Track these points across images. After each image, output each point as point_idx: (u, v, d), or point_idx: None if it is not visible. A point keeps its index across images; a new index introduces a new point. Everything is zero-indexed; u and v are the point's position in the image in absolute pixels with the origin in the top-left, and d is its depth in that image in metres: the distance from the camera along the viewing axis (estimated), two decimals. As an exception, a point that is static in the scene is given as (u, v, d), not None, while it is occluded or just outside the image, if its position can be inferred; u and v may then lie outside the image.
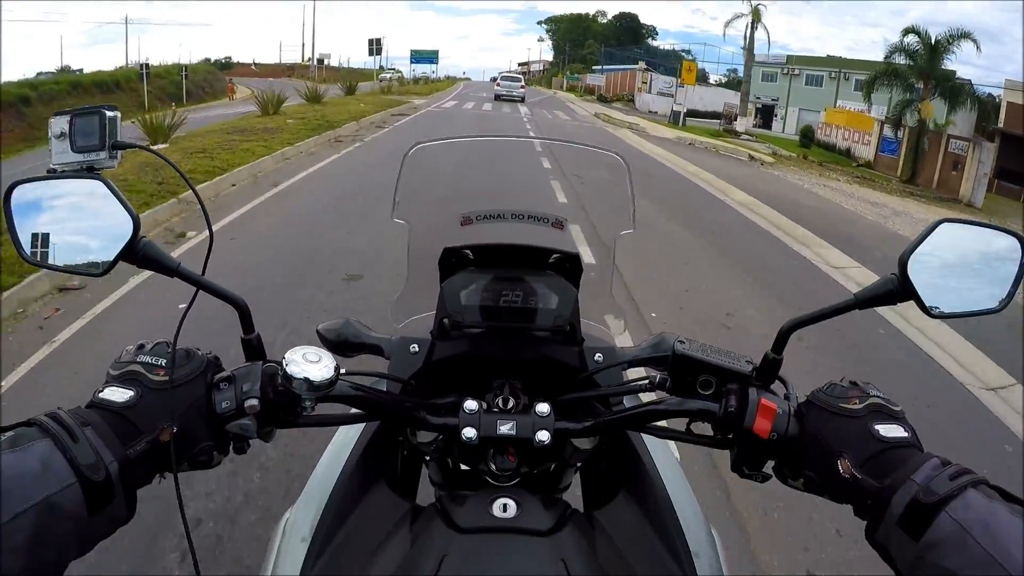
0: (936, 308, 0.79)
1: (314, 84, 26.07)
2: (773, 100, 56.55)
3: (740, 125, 33.18)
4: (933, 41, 26.18)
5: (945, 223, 0.79)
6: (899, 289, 0.78)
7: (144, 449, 0.71)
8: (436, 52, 57.12)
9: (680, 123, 30.42)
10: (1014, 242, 0.80)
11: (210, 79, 56.13)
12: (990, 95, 28.60)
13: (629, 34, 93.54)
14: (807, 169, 22.75)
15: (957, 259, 0.81)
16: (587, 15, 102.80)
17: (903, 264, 0.77)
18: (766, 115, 57.25)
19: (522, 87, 40.86)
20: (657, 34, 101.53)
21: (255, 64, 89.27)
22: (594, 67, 76.70)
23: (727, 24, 35.50)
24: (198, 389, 0.77)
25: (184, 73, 48.13)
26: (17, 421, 0.66)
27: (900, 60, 27.52)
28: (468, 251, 1.00)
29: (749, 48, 34.67)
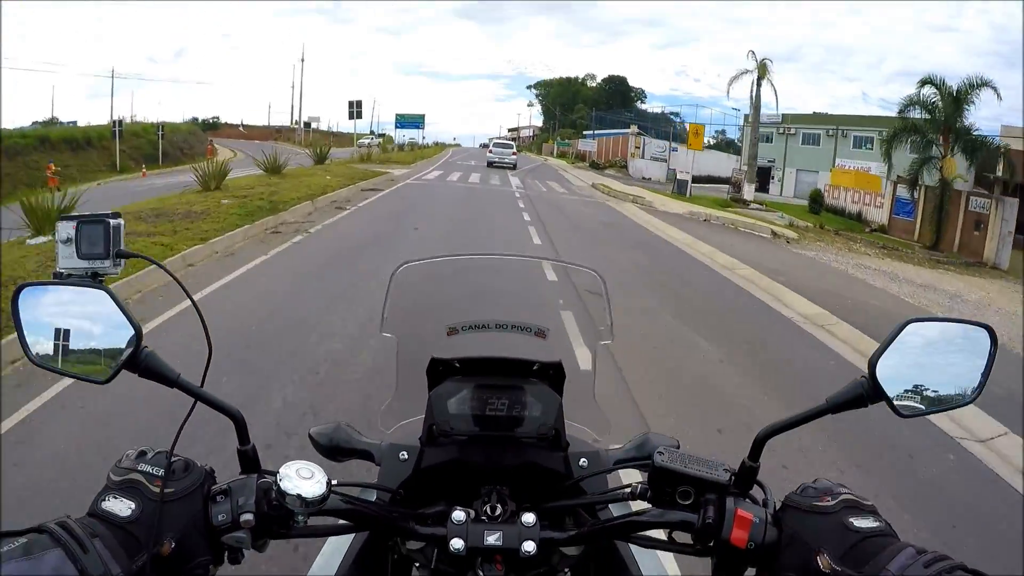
0: (907, 408, 0.81)
1: (297, 147, 23.78)
2: (769, 161, 54.34)
3: (748, 192, 30.41)
4: (954, 92, 23.67)
5: (912, 323, 0.81)
6: (869, 392, 0.80)
7: (145, 563, 0.73)
8: (422, 116, 53.95)
9: (686, 193, 27.58)
10: (982, 332, 0.82)
11: (191, 139, 53.69)
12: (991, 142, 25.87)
13: (618, 97, 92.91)
14: (832, 243, 19.92)
15: (927, 356, 0.82)
16: (576, 79, 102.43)
17: (872, 367, 0.79)
18: (763, 177, 55.00)
19: (514, 153, 39.82)
20: (646, 97, 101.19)
21: (243, 125, 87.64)
22: (585, 132, 75.08)
23: (732, 81, 33.19)
24: (196, 503, 0.79)
25: (160, 132, 45.65)
26: (28, 527, 0.67)
27: (915, 114, 25.36)
28: (455, 361, 1.01)
29: (755, 107, 32.36)
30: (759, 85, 32.41)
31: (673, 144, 60.93)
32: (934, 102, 24.60)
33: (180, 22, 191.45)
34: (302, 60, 67.67)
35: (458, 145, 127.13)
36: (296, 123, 71.39)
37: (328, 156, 27.13)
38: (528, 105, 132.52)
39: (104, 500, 0.75)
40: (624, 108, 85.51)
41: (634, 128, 63.36)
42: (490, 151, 40.91)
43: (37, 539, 0.66)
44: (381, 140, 54.19)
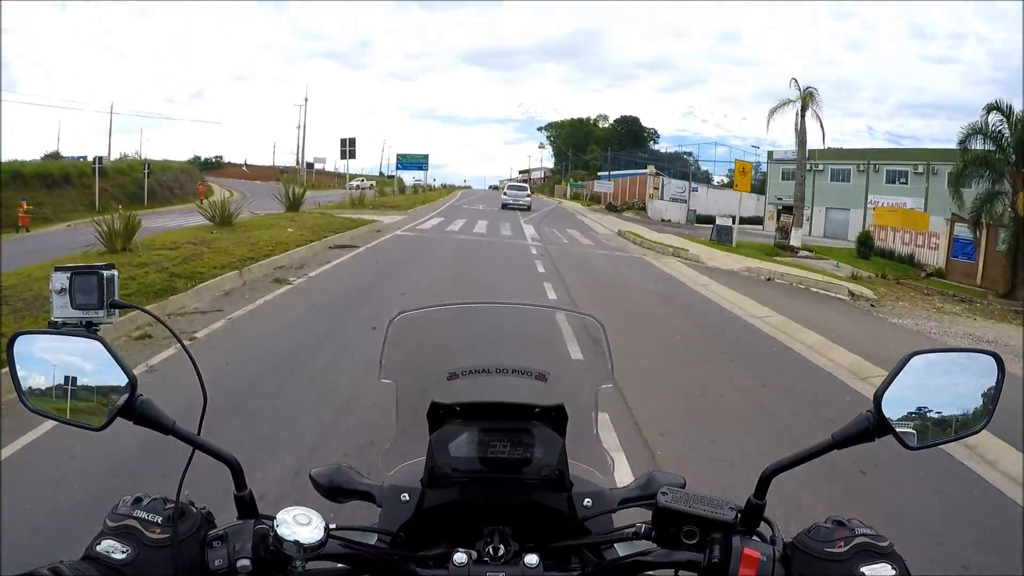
0: (914, 441, 0.80)
1: (298, 188, 22.22)
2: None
3: (795, 238, 25.99)
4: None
5: (916, 356, 0.80)
6: (875, 427, 0.79)
7: None
8: (425, 157, 50.78)
9: (731, 241, 23.20)
10: (989, 360, 0.81)
11: (183, 178, 49.90)
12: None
13: (631, 138, 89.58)
14: (912, 301, 15.62)
15: (933, 388, 0.81)
16: (588, 119, 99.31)
17: (877, 401, 0.79)
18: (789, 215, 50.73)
19: (528, 195, 39.75)
20: (659, 137, 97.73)
21: (246, 165, 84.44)
22: (599, 173, 71.31)
23: (772, 113, 28.82)
24: (193, 548, 0.79)
25: (147, 170, 41.82)
26: (20, 573, 0.67)
27: (978, 144, 21.37)
28: (456, 405, 1.01)
29: (800, 141, 28.04)
30: (803, 116, 28.12)
31: (693, 184, 57.36)
32: (999, 130, 20.78)
33: (198, 64, 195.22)
34: (305, 100, 65.52)
35: (468, 187, 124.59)
36: (299, 163, 68.37)
37: (303, 199, 22.82)
38: (539, 147, 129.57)
39: (99, 543, 0.75)
40: (638, 148, 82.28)
41: (651, 168, 59.58)
42: (504, 193, 40.37)
43: None
44: (375, 184, 49.90)
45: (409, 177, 54.70)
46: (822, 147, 33.96)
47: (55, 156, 50.88)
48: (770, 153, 54.59)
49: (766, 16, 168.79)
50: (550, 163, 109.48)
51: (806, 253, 24.44)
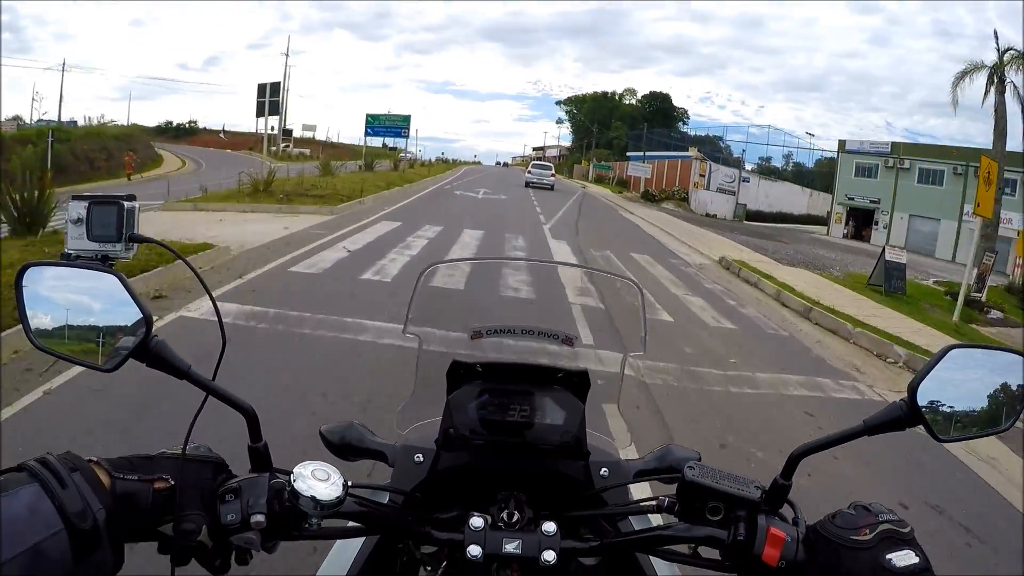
0: (944, 433, 0.80)
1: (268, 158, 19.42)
2: (872, 202, 40.31)
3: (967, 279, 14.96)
4: None
5: (954, 349, 0.80)
6: (907, 416, 0.78)
7: (131, 488, 0.70)
8: (406, 119, 36.28)
9: (901, 288, 12.41)
10: (1019, 360, 0.81)
11: (114, 147, 38.27)
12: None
13: (660, 117, 77.80)
14: None
15: (966, 383, 0.81)
16: (613, 94, 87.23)
17: (912, 392, 0.78)
18: (862, 221, 39.27)
19: (552, 175, 36.64)
20: (688, 118, 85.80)
21: (224, 132, 74.33)
22: (629, 154, 59.87)
23: (958, 80, 17.62)
24: (205, 472, 0.77)
25: (51, 137, 31.48)
26: (8, 467, 0.65)
27: None
28: (477, 365, 0.97)
29: (998, 127, 16.70)
30: (1001, 85, 16.93)
31: (744, 173, 46.45)
32: None
33: (213, 31, 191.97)
34: (287, 56, 53.61)
35: (478, 163, 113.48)
36: (272, 130, 57.37)
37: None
38: (557, 122, 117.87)
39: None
40: (667, 129, 71.07)
41: (696, 151, 48.37)
42: (529, 171, 37.77)
43: (14, 477, 0.63)
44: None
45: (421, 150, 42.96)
46: (879, 139, 23.02)
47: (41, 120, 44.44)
48: (842, 143, 43.09)
49: (789, 5, 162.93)
50: (567, 141, 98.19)
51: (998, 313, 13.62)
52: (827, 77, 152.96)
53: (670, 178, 45.37)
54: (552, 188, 34.89)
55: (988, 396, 0.81)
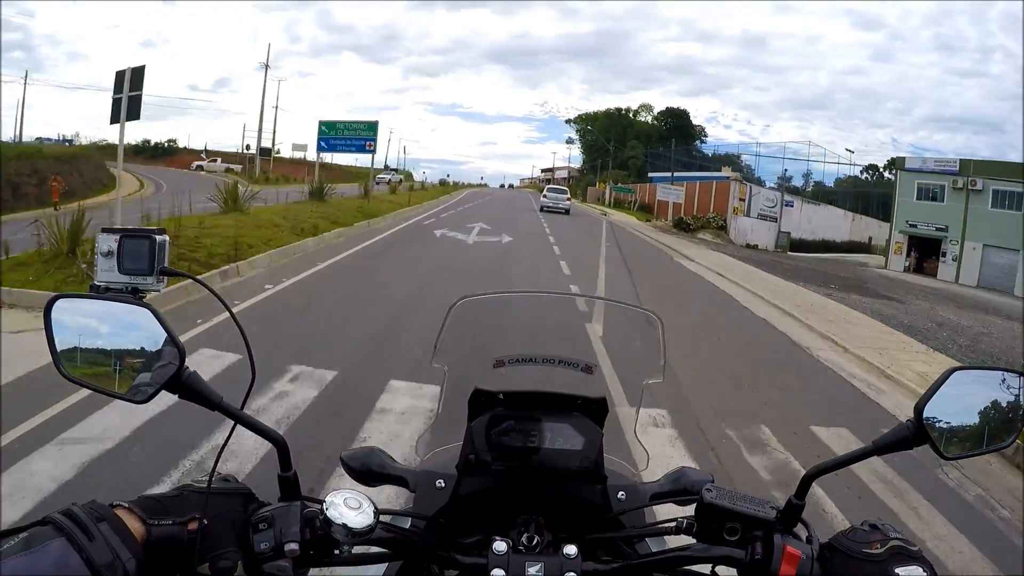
0: (950, 451, 0.82)
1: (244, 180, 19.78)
2: (939, 230, 33.93)
3: None
4: None
5: (957, 371, 0.82)
6: (914, 435, 0.80)
7: (165, 531, 0.70)
8: (372, 127, 24.54)
9: None
10: (1018, 378, 0.84)
11: (47, 169, 30.22)
12: None
13: (678, 135, 71.91)
14: None
15: (970, 402, 0.83)
16: (627, 111, 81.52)
17: (918, 412, 0.80)
18: (927, 250, 32.85)
19: (568, 199, 35.41)
20: (707, 136, 79.75)
21: (206, 152, 68.65)
22: (653, 175, 53.70)
23: None
24: (235, 505, 0.77)
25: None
26: (32, 521, 0.64)
27: None
28: (499, 393, 0.99)
29: None
30: None
31: (787, 197, 40.17)
32: None
33: (222, 53, 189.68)
34: (266, 66, 47.84)
35: (484, 185, 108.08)
36: (247, 149, 52.31)
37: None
38: (567, 142, 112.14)
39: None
40: (685, 147, 65.39)
41: (734, 172, 42.19)
42: (544, 195, 36.29)
43: (39, 531, 0.61)
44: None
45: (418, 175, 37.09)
46: (945, 156, 18.94)
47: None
48: (899, 161, 36.79)
49: (792, 23, 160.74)
50: (576, 162, 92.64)
51: None
52: (831, 94, 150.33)
53: (703, 203, 39.26)
54: (568, 212, 33.70)
55: (990, 414, 0.84)
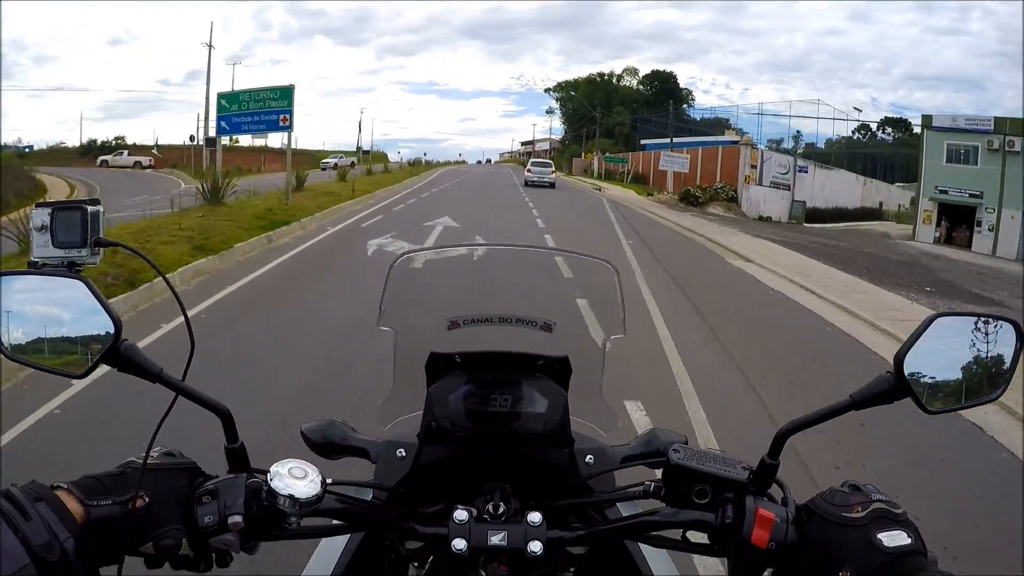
0: (934, 404, 0.78)
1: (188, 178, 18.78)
2: (972, 196, 29.03)
3: None
4: None
5: (940, 317, 0.78)
6: (895, 387, 0.76)
7: (105, 510, 0.68)
8: (283, 92, 16.32)
9: None
10: (1009, 327, 0.79)
11: None
12: None
13: (666, 98, 67.03)
14: None
15: (954, 352, 0.79)
16: (610, 75, 75.88)
17: (898, 363, 0.76)
18: (959, 219, 28.50)
19: (553, 172, 33.65)
20: (694, 100, 74.52)
21: (156, 147, 62.56)
22: (646, 142, 48.73)
23: None
24: (179, 480, 0.75)
25: None
26: None
27: None
28: (456, 355, 0.95)
29: None
30: None
31: (801, 162, 35.47)
32: None
33: (192, 46, 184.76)
34: (210, 46, 41.23)
35: (462, 162, 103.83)
36: (194, 141, 47.26)
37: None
38: (546, 112, 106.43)
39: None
40: (676, 111, 60.80)
41: (744, 136, 37.34)
42: (528, 170, 34.31)
43: None
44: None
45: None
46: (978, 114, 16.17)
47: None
48: (927, 118, 32.09)
49: None
50: (559, 133, 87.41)
51: None
52: (810, 56, 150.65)
53: (707, 171, 34.38)
54: (553, 186, 31.83)
55: (976, 365, 0.79)
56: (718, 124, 55.44)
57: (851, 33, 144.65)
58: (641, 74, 73.08)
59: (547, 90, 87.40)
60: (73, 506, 0.66)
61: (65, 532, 0.63)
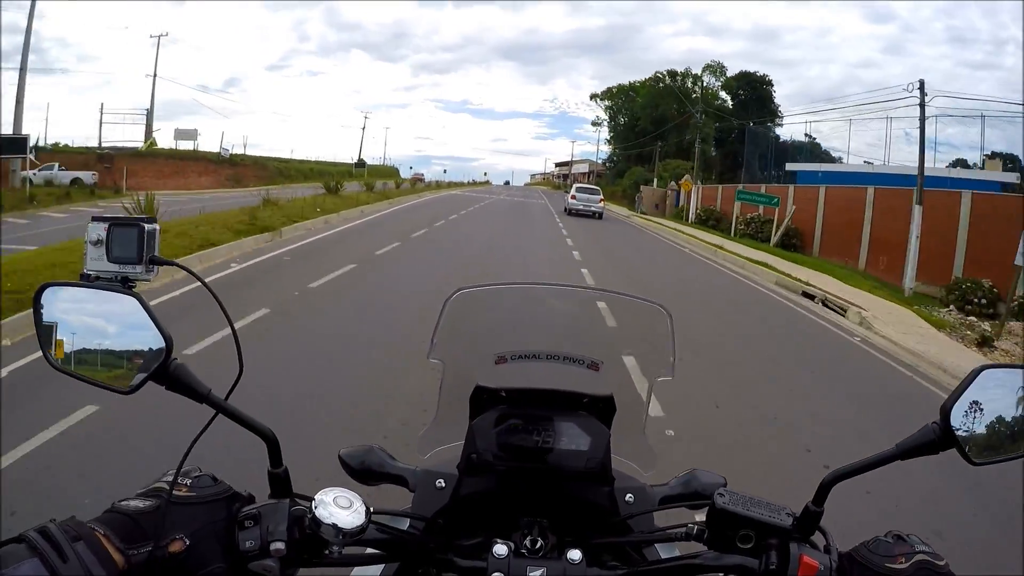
0: (979, 457, 0.77)
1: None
2: None
3: None
4: None
5: (986, 370, 0.77)
6: (941, 439, 0.75)
7: (146, 557, 0.66)
8: None
9: None
10: None
11: None
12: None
13: (754, 108, 48.09)
14: None
15: (999, 405, 0.78)
16: (684, 75, 56.16)
17: (945, 414, 0.75)
18: None
19: (600, 201, 28.43)
20: (783, 119, 54.45)
21: (34, 148, 45.90)
22: (796, 167, 29.48)
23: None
24: (218, 512, 0.73)
25: None
26: (8, 537, 0.61)
27: None
28: (501, 390, 0.95)
29: None
30: None
31: None
32: None
33: (231, 53, 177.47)
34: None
35: (486, 183, 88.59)
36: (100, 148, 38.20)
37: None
38: (592, 124, 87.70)
39: (122, 501, 0.70)
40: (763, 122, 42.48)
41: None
42: (573, 196, 28.64)
43: (14, 550, 0.59)
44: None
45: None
46: None
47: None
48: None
49: (803, 16, 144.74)
50: (601, 153, 68.89)
51: None
52: (843, 88, 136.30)
53: (890, 229, 14.78)
54: (601, 216, 27.37)
55: (1021, 416, 0.78)
56: (808, 148, 36.96)
57: (885, 65, 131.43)
58: (728, 75, 53.32)
59: (593, 96, 67.99)
60: (113, 553, 0.63)
61: (103, 572, 0.60)
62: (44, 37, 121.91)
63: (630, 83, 61.36)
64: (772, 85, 51.56)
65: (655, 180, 41.29)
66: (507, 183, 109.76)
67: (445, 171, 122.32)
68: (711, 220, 28.20)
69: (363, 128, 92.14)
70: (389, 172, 63.09)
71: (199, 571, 0.69)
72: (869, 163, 28.30)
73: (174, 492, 0.70)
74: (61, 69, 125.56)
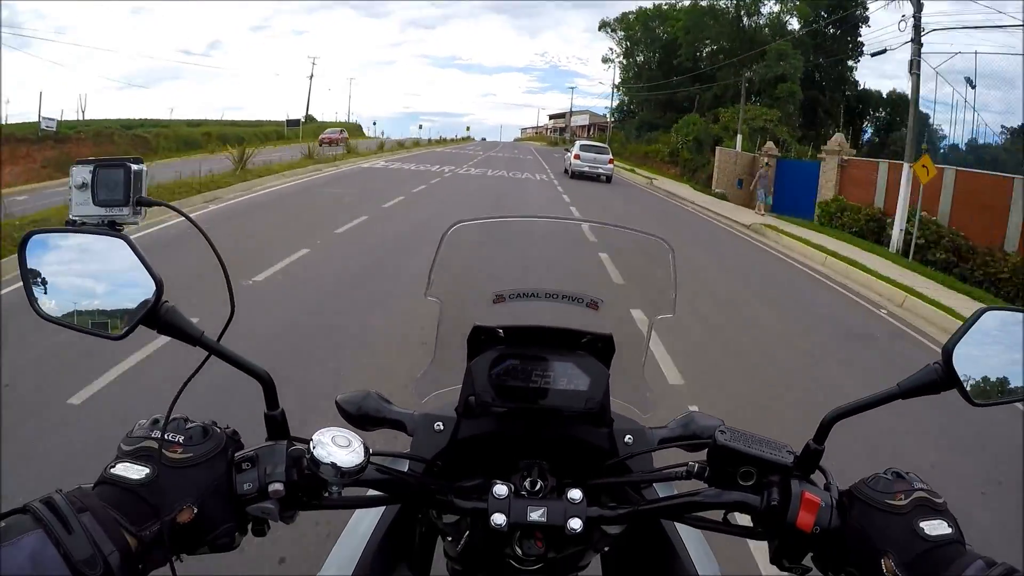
0: (979, 397, 0.77)
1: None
2: None
3: None
4: None
5: (989, 311, 0.77)
6: (943, 378, 0.76)
7: (158, 532, 0.65)
8: None
9: None
10: None
11: None
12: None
13: (838, 44, 33.25)
14: None
15: (1002, 346, 0.78)
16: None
17: (947, 354, 0.75)
18: None
19: (610, 161, 24.13)
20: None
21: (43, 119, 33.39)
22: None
23: None
24: (218, 468, 0.72)
25: None
26: (12, 508, 0.59)
27: None
28: (499, 329, 0.94)
29: None
30: None
31: None
32: None
33: (213, 16, 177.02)
34: None
35: (468, 139, 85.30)
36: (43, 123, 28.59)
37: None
38: (602, 61, 71.86)
39: (113, 467, 0.67)
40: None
41: None
42: (577, 156, 24.27)
43: (17, 520, 0.57)
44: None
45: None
46: None
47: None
48: None
49: None
50: (594, 100, 55.64)
51: None
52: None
53: None
54: (609, 180, 23.59)
55: (1022, 359, 0.78)
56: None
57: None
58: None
59: (603, 25, 51.79)
60: (121, 531, 0.61)
61: (110, 545, 0.58)
62: (19, 12, 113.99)
63: (655, 5, 45.53)
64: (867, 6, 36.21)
65: (737, 137, 25.93)
66: (483, 140, 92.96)
67: (421, 127, 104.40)
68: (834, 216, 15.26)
69: (310, 77, 74.06)
70: (348, 130, 50.81)
71: (210, 534, 0.68)
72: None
73: (169, 455, 0.68)
74: None
